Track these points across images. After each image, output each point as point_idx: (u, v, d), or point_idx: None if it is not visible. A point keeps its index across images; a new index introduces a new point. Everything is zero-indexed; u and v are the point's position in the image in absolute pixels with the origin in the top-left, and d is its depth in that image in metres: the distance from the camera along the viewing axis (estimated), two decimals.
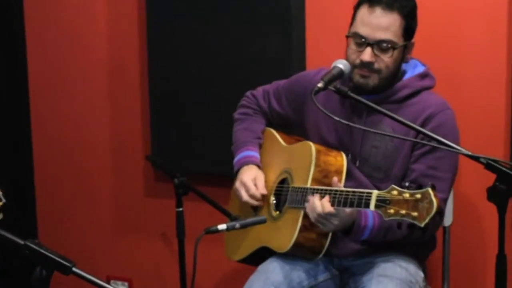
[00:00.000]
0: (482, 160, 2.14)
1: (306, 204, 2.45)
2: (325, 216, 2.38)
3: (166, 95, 3.66)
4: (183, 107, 3.62)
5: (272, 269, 2.59)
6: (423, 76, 2.62)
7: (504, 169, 2.09)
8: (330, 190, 2.42)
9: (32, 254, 1.88)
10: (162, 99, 3.67)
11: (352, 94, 2.43)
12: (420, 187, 2.14)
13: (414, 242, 2.56)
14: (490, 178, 2.17)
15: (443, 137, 2.39)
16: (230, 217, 2.60)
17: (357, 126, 2.42)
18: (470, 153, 2.21)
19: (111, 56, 3.87)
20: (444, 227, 2.89)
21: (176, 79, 3.61)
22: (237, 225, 2.37)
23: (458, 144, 2.50)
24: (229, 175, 3.14)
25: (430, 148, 2.51)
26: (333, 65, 2.51)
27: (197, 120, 3.58)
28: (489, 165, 2.12)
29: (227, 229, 2.35)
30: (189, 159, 3.57)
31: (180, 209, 2.94)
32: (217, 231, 2.34)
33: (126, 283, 3.96)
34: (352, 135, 2.62)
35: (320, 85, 2.43)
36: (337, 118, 2.36)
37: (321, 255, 2.58)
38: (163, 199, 3.84)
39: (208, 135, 3.54)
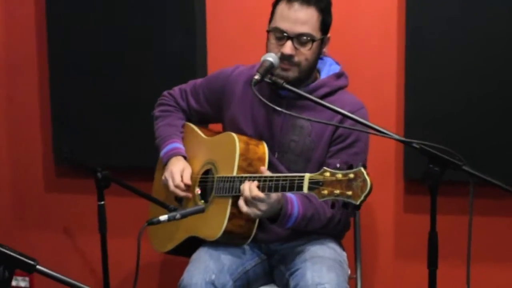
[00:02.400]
0: (415, 145, 2.18)
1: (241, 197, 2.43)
2: (252, 201, 2.37)
3: (68, 94, 3.55)
4: (85, 104, 3.54)
5: (207, 258, 2.55)
6: (339, 75, 2.67)
7: (436, 153, 2.14)
8: (260, 177, 2.41)
9: None
10: (63, 98, 3.58)
11: (288, 86, 2.43)
12: (351, 167, 2.15)
13: (331, 230, 2.61)
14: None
15: (358, 133, 2.51)
16: (168, 208, 2.52)
17: (295, 114, 2.41)
18: (402, 138, 2.26)
19: (7, 52, 3.70)
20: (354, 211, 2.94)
21: (79, 76, 3.53)
22: (178, 215, 2.31)
23: (368, 139, 2.62)
24: (144, 168, 3.09)
25: (346, 145, 2.58)
26: (262, 58, 2.50)
27: (99, 116, 3.53)
28: (423, 150, 2.16)
29: (168, 220, 2.28)
30: (98, 154, 3.47)
31: (102, 202, 2.83)
32: (159, 222, 2.26)
33: (27, 278, 3.78)
34: (271, 129, 2.63)
35: (257, 77, 2.41)
36: (278, 108, 2.36)
37: (249, 241, 2.58)
38: (64, 194, 3.72)
39: (114, 130, 3.47)
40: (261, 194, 2.36)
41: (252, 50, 3.03)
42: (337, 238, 2.73)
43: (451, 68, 2.98)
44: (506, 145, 2.95)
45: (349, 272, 2.69)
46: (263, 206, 2.39)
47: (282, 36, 2.51)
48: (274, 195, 2.38)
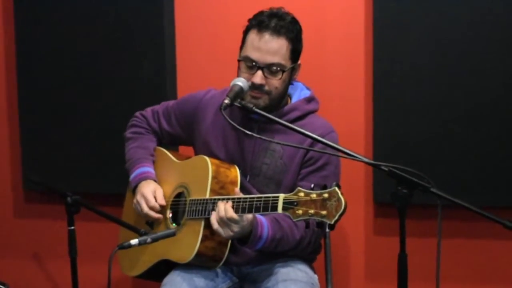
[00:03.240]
0: (383, 167, 2.21)
1: (213, 212, 2.44)
2: (227, 221, 2.38)
3: (37, 117, 3.55)
4: (55, 127, 3.53)
5: (180, 281, 2.55)
6: (309, 100, 2.70)
7: (405, 175, 2.17)
8: (233, 198, 2.43)
9: None
10: (33, 121, 3.56)
11: (257, 110, 2.47)
12: (325, 187, 2.17)
13: (300, 252, 2.63)
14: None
15: (329, 157, 2.56)
16: (139, 232, 2.52)
17: (266, 138, 2.43)
18: (371, 161, 2.29)
19: None
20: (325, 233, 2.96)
21: (49, 99, 3.52)
22: (149, 239, 2.32)
23: (339, 162, 2.66)
24: (114, 195, 3.09)
25: (316, 167, 2.61)
26: (232, 83, 2.53)
27: (69, 140, 3.52)
28: (391, 172, 2.19)
29: (139, 244, 2.29)
30: (67, 179, 3.46)
31: (72, 227, 2.82)
32: (130, 246, 2.28)
33: None
34: (243, 152, 2.66)
35: (226, 101, 2.45)
36: (248, 132, 2.39)
37: (221, 263, 2.58)
38: (34, 219, 3.70)
39: (83, 155, 3.47)
40: (235, 216, 2.37)
41: (221, 74, 3.09)
42: (309, 261, 2.75)
43: (418, 92, 3.03)
44: (474, 168, 3.00)
45: None
46: (236, 228, 2.40)
47: (252, 65, 2.54)
48: (248, 217, 2.40)
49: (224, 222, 2.39)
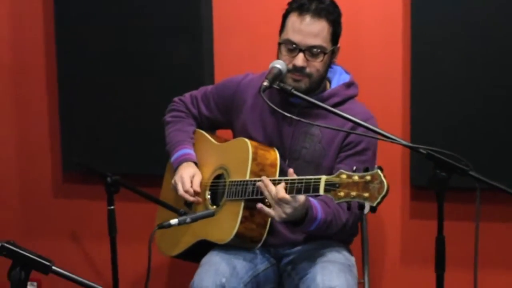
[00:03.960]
0: (422, 150, 2.22)
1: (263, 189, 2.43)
2: (279, 202, 2.38)
3: (77, 98, 3.60)
4: (94, 109, 3.58)
5: (218, 261, 2.59)
6: (349, 85, 2.72)
7: (443, 158, 2.18)
8: (274, 179, 2.44)
9: (9, 254, 1.80)
10: (72, 104, 3.62)
11: (296, 92, 2.49)
12: (367, 170, 2.19)
13: (343, 234, 2.67)
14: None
15: (369, 141, 2.57)
16: (178, 212, 2.57)
17: (305, 121, 2.44)
18: (409, 143, 2.30)
19: (15, 55, 3.76)
20: (362, 216, 2.99)
21: (87, 84, 3.58)
22: (188, 219, 2.35)
23: (376, 149, 2.68)
24: (152, 175, 3.13)
25: (355, 152, 2.63)
26: (271, 65, 2.55)
27: (107, 122, 3.57)
28: (429, 155, 2.20)
29: (179, 223, 2.32)
30: (105, 160, 3.52)
31: (112, 207, 2.88)
32: (170, 225, 2.31)
33: (35, 283, 3.84)
34: (282, 136, 2.68)
35: (265, 83, 2.47)
36: (287, 114, 2.39)
37: (260, 244, 2.62)
38: (73, 200, 3.77)
39: (122, 137, 3.52)
40: (287, 196, 2.36)
41: (259, 58, 3.10)
42: (346, 243, 2.78)
43: (457, 72, 3.02)
44: None
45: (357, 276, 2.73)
46: (288, 209, 2.39)
47: (293, 48, 2.56)
48: (301, 198, 2.38)
49: (277, 202, 2.38)
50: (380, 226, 3.28)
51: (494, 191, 2.22)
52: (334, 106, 2.61)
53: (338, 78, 2.73)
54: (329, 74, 2.72)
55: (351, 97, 2.71)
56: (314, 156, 2.64)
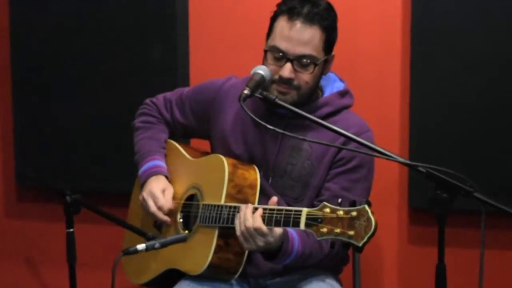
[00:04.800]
0: (421, 168, 2.23)
1: (237, 215, 2.45)
2: (253, 232, 2.39)
3: (33, 107, 3.60)
4: (53, 119, 3.58)
5: None
6: (343, 94, 2.71)
7: (445, 177, 2.19)
8: (252, 208, 2.43)
9: None
10: (27, 111, 3.61)
11: (281, 102, 2.48)
12: (354, 204, 2.18)
13: (327, 264, 2.67)
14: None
15: (363, 157, 2.57)
16: (146, 237, 2.56)
17: (291, 134, 2.42)
18: (407, 161, 2.32)
19: None
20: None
21: (46, 87, 3.56)
22: (157, 244, 2.35)
23: (373, 166, 2.68)
24: (119, 194, 3.12)
25: (347, 169, 2.62)
26: (253, 71, 2.54)
27: (67, 133, 3.56)
28: (429, 174, 2.21)
29: (147, 249, 2.32)
30: (66, 177, 3.52)
31: (71, 230, 2.85)
32: (136, 251, 2.31)
33: None
34: (266, 151, 2.67)
35: (246, 91, 2.45)
36: (270, 126, 2.37)
37: (237, 275, 2.61)
38: (27, 220, 3.75)
39: (83, 150, 3.52)
40: (264, 228, 2.37)
41: (240, 59, 3.13)
42: (335, 272, 2.78)
43: (460, 86, 3.05)
44: None
45: None
46: (260, 241, 2.39)
47: (280, 56, 2.55)
48: (278, 231, 2.39)
49: (250, 233, 2.39)
50: (374, 252, 3.30)
51: (501, 215, 2.24)
52: (326, 116, 2.62)
53: (331, 86, 2.73)
54: (322, 82, 2.71)
55: (346, 107, 2.71)
56: (301, 174, 2.64)
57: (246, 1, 3.34)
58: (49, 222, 3.65)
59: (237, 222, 2.44)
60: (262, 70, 2.53)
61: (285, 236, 2.44)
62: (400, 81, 3.20)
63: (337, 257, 2.66)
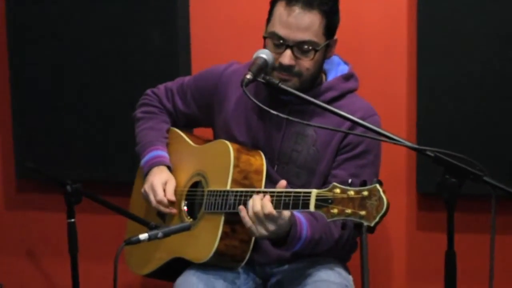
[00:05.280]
0: (429, 153, 2.21)
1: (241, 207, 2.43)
2: (263, 219, 2.37)
3: (32, 95, 3.57)
4: (52, 107, 3.56)
5: (195, 282, 2.57)
6: (348, 77, 2.70)
7: (454, 162, 2.17)
8: (259, 191, 2.43)
9: None
10: (26, 101, 3.59)
11: (284, 86, 2.46)
12: (364, 183, 2.17)
13: (337, 251, 2.66)
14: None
15: (370, 142, 2.55)
16: (149, 226, 2.55)
17: (295, 119, 2.39)
18: (415, 145, 2.30)
19: None
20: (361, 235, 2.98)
21: (45, 75, 3.55)
22: (160, 234, 2.35)
23: (380, 151, 2.66)
24: (120, 183, 3.11)
25: (353, 155, 2.61)
26: (255, 55, 2.52)
27: (67, 122, 3.54)
28: (438, 158, 2.20)
29: (149, 239, 2.32)
30: (66, 166, 3.50)
31: (72, 220, 2.84)
32: (139, 241, 2.31)
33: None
34: (270, 138, 2.66)
35: (248, 76, 2.43)
36: (274, 112, 2.34)
37: (243, 263, 2.61)
38: (28, 211, 3.75)
39: (84, 139, 3.50)
40: (274, 212, 2.35)
41: (242, 45, 3.11)
42: (342, 260, 2.77)
43: (468, 66, 3.03)
44: None
45: None
46: (272, 226, 2.38)
47: (280, 43, 2.53)
48: (286, 214, 2.38)
49: (260, 219, 2.37)
50: (382, 239, 3.28)
51: (511, 199, 2.22)
52: (331, 101, 2.60)
53: (335, 69, 2.72)
54: (325, 66, 2.70)
55: (350, 91, 2.70)
56: (307, 161, 2.63)
57: None
58: (50, 213, 3.64)
59: (244, 213, 2.42)
60: (264, 54, 2.52)
61: (293, 221, 2.42)
62: (407, 63, 3.18)
63: (347, 243, 2.65)
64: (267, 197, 2.38)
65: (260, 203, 2.37)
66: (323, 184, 2.61)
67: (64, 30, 3.48)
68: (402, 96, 3.21)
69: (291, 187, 2.58)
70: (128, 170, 3.09)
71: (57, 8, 3.48)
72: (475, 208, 2.88)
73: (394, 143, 2.29)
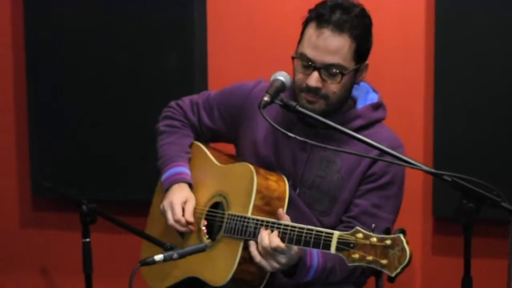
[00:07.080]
0: (446, 177, 2.22)
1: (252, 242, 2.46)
2: (272, 252, 2.39)
3: (50, 112, 3.60)
4: (69, 127, 3.60)
5: None
6: (377, 106, 2.69)
7: (471, 187, 2.18)
8: (280, 224, 2.44)
9: None
10: (43, 120, 3.62)
11: (300, 109, 2.47)
12: (388, 231, 2.17)
13: (352, 280, 2.65)
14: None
15: (395, 174, 2.56)
16: (164, 247, 2.56)
17: (313, 142, 2.41)
18: (432, 169, 2.30)
19: None
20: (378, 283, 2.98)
21: (62, 96, 3.59)
22: (175, 255, 2.35)
23: (404, 183, 2.66)
24: (137, 202, 3.11)
25: (378, 185, 2.60)
26: (272, 77, 2.54)
27: (84, 141, 3.57)
28: (455, 183, 2.20)
29: (164, 260, 2.32)
30: (82, 185, 3.53)
31: (88, 239, 2.86)
32: (154, 262, 2.31)
33: None
34: (295, 161, 2.66)
35: (266, 98, 2.45)
36: (291, 134, 2.37)
37: None
38: (43, 230, 3.77)
39: (100, 158, 3.52)
40: (282, 245, 2.38)
41: (258, 66, 3.12)
42: (357, 284, 2.76)
43: (486, 88, 3.04)
44: None
45: None
46: (283, 259, 2.41)
47: (308, 65, 2.54)
48: (296, 247, 2.41)
49: (269, 253, 2.40)
50: None
51: None
52: (358, 129, 2.60)
53: (364, 97, 2.71)
54: (355, 92, 2.69)
55: (378, 121, 2.69)
56: (330, 187, 2.62)
57: (264, 7, 3.35)
58: (65, 231, 3.67)
59: (253, 247, 2.45)
60: (282, 77, 2.53)
61: (303, 250, 2.44)
62: (424, 84, 3.20)
63: (363, 275, 2.64)
64: (275, 232, 2.40)
65: (268, 238, 2.40)
66: (344, 212, 2.62)
67: (82, 51, 3.53)
68: (419, 120, 3.22)
69: (313, 212, 2.61)
70: (143, 190, 3.11)
71: (75, 29, 3.53)
72: (492, 233, 2.88)
73: (411, 167, 2.31)
